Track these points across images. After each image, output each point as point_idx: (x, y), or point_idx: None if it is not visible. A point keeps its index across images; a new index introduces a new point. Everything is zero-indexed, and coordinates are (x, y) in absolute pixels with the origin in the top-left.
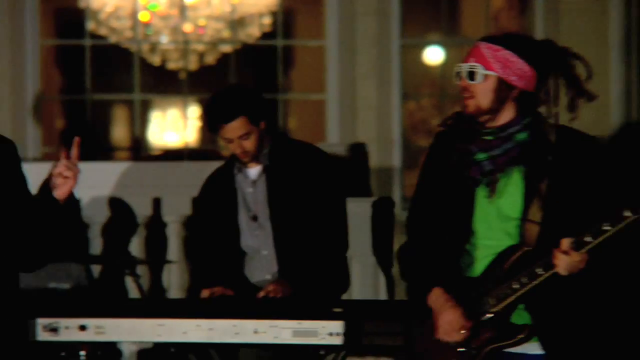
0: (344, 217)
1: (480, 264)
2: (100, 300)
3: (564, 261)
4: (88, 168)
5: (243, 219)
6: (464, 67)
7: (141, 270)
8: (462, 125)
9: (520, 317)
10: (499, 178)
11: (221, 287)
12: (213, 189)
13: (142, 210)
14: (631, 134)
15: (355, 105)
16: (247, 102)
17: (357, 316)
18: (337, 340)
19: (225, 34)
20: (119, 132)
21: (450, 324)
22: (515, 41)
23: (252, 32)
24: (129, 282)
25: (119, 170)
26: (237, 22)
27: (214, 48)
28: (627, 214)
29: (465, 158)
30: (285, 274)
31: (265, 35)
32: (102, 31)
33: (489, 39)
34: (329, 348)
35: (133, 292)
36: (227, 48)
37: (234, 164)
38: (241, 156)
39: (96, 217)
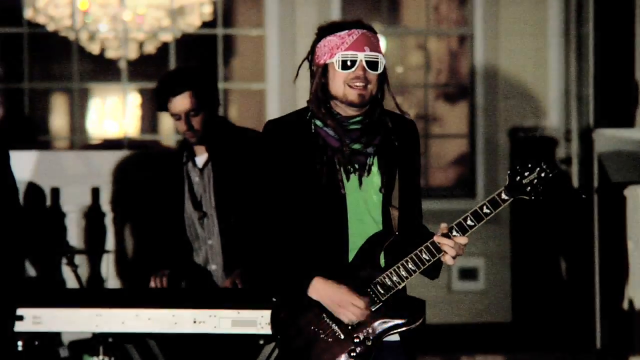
0: None
1: (350, 252)
2: (38, 290)
3: (452, 246)
4: (26, 157)
5: (189, 208)
6: (364, 57)
7: (79, 259)
8: (328, 119)
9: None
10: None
11: (168, 272)
12: (161, 178)
13: (81, 199)
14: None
15: (296, 94)
16: (195, 79)
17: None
18: None
19: (165, 22)
20: (58, 121)
21: (356, 305)
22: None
23: (192, 21)
24: (67, 271)
25: (58, 160)
26: (177, 11)
27: (153, 37)
28: (505, 196)
29: (344, 150)
30: (231, 264)
31: (205, 24)
32: (40, 19)
33: (370, 27)
34: (268, 337)
35: (71, 282)
36: (166, 37)
37: (182, 153)
38: (188, 135)
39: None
